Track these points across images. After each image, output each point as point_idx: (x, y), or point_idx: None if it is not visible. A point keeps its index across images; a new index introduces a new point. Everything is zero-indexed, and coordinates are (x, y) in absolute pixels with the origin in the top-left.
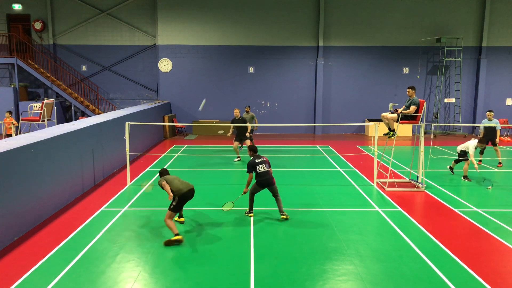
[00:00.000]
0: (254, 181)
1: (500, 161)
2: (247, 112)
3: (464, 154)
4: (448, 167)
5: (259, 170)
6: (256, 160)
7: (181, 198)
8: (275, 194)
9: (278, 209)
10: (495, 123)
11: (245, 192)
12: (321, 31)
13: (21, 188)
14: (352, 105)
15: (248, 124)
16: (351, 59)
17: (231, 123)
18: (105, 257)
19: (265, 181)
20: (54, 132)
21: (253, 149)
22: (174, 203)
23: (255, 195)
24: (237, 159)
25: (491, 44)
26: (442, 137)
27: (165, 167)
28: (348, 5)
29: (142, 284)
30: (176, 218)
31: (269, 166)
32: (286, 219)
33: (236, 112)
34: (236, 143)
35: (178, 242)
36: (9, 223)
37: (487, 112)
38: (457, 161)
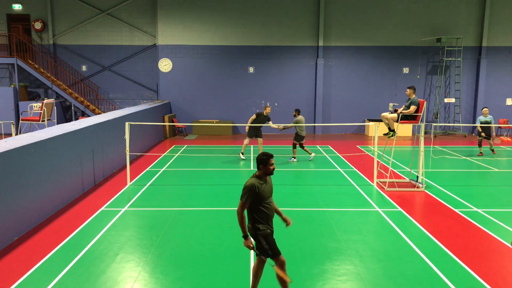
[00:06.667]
0: None
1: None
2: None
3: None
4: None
5: None
6: None
7: None
8: None
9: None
10: (490, 119)
11: None
12: (321, 31)
13: (21, 188)
14: (352, 105)
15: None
16: (351, 59)
17: (256, 116)
18: (105, 257)
19: None
20: (54, 132)
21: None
22: None
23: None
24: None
25: (491, 44)
26: (442, 137)
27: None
28: (348, 5)
29: (142, 284)
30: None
31: None
32: None
33: (268, 110)
34: (247, 139)
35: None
36: (9, 223)
37: (484, 109)
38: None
